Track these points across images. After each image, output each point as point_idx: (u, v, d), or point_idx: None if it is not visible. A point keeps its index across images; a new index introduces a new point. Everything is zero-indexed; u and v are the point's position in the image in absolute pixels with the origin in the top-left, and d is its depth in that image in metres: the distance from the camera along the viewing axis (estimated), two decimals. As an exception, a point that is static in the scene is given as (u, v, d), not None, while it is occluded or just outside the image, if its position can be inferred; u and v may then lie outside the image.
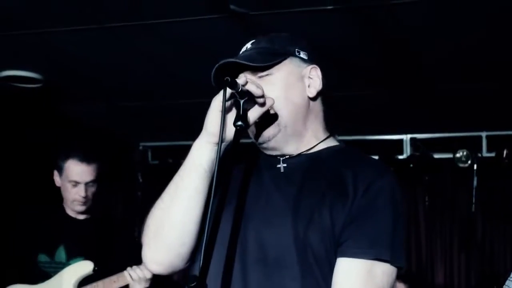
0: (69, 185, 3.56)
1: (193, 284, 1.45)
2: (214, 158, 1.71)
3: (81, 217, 3.67)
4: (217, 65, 1.80)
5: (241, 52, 1.92)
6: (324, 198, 1.74)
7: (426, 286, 6.22)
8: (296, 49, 1.89)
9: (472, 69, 4.43)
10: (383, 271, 1.70)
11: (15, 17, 3.69)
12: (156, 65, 4.49)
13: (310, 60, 1.90)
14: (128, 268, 3.45)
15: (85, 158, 3.56)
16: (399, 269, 1.74)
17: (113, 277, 3.47)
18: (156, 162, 6.59)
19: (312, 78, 1.89)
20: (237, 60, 1.80)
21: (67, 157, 3.57)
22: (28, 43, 4.08)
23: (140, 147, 6.74)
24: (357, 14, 3.58)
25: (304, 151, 1.88)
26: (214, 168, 1.67)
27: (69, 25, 3.78)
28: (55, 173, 3.64)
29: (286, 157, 1.87)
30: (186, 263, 1.85)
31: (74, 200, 3.57)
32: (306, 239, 1.71)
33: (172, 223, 1.78)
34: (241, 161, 1.93)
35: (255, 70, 1.82)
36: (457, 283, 6.25)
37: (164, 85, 4.92)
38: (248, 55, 1.85)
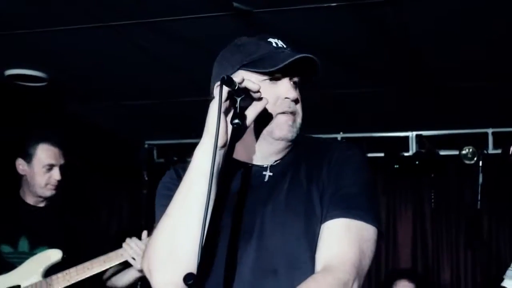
0: (42, 170, 3.55)
1: (190, 282, 1.45)
2: (220, 161, 1.67)
3: (41, 204, 3.64)
4: (292, 58, 1.76)
5: (275, 45, 1.86)
6: (311, 192, 1.80)
7: (432, 284, 6.20)
8: None
9: (478, 66, 4.41)
10: (357, 226, 1.75)
11: (19, 16, 3.70)
12: (160, 63, 4.49)
13: None
14: (127, 241, 3.43)
15: (57, 142, 3.59)
16: (378, 232, 1.79)
17: (86, 264, 3.43)
18: (162, 160, 6.60)
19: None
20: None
21: (37, 142, 3.57)
22: (33, 42, 4.08)
23: (146, 146, 6.74)
24: (362, 11, 3.57)
25: (285, 155, 1.90)
26: (220, 171, 1.67)
27: (73, 23, 3.79)
28: (20, 161, 3.60)
29: (272, 164, 1.88)
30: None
31: (47, 184, 3.56)
32: (311, 236, 1.75)
33: (189, 236, 1.68)
34: (234, 164, 1.91)
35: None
36: (463, 280, 6.23)
37: (169, 83, 4.92)
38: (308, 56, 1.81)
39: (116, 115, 5.89)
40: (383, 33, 3.88)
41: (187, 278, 1.46)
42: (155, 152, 6.78)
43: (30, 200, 3.64)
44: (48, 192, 3.59)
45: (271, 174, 1.86)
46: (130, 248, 3.42)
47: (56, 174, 3.56)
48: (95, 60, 4.46)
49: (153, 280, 1.75)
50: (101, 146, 6.26)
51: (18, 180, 3.67)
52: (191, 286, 1.46)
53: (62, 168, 3.59)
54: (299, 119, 1.85)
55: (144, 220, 6.27)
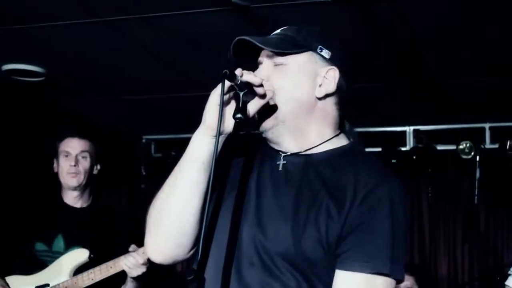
0: (62, 159, 3.65)
1: (191, 277, 1.46)
2: (212, 150, 1.69)
3: (79, 205, 3.70)
4: (234, 40, 1.78)
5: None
6: (321, 204, 1.71)
7: (429, 278, 6.22)
8: (320, 46, 1.83)
9: (476, 61, 4.42)
10: (383, 283, 1.68)
11: (17, 11, 3.69)
12: (158, 58, 4.49)
13: (332, 60, 1.83)
14: (122, 256, 3.47)
15: (77, 133, 3.71)
16: (397, 281, 1.71)
17: (110, 263, 3.47)
18: (160, 155, 6.59)
19: (328, 79, 1.82)
20: (248, 39, 1.76)
21: (61, 139, 3.71)
22: (30, 36, 4.08)
23: (143, 140, 6.74)
24: (360, 5, 3.57)
25: (306, 150, 1.83)
26: (212, 160, 1.67)
27: (71, 18, 3.79)
28: (54, 161, 3.73)
29: (287, 154, 1.84)
30: (187, 253, 1.86)
31: (67, 173, 3.64)
32: (299, 246, 1.68)
33: (171, 214, 1.79)
34: (243, 153, 1.92)
35: (273, 55, 1.81)
36: (460, 274, 6.24)
37: (167, 78, 4.92)
38: (269, 39, 1.83)
39: (114, 110, 5.89)
40: (381, 28, 3.88)
41: (187, 273, 1.47)
42: (152, 146, 6.78)
43: (68, 200, 3.71)
44: (70, 181, 3.65)
45: (284, 162, 1.83)
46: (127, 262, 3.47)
47: (71, 160, 3.63)
48: (93, 55, 4.46)
49: (145, 242, 1.89)
50: (98, 141, 6.25)
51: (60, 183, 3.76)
52: (191, 281, 1.47)
53: (79, 156, 3.66)
54: (278, 103, 1.79)
55: (142, 214, 6.28)
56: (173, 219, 1.79)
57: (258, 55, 1.84)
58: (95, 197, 3.78)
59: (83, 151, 3.67)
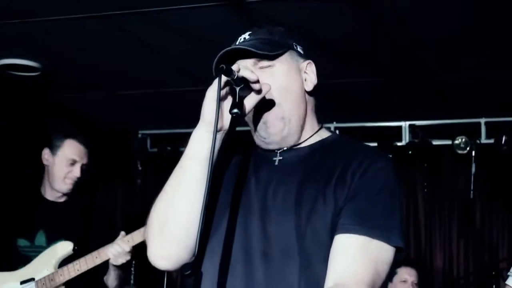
0: (65, 163, 3.60)
1: (187, 272, 1.46)
2: (215, 147, 1.68)
3: (59, 200, 3.69)
4: (221, 53, 1.77)
5: (238, 42, 1.88)
6: (326, 187, 1.75)
7: (425, 273, 6.23)
8: (294, 43, 1.89)
9: (471, 56, 4.42)
10: (377, 246, 1.70)
11: (12, 6, 3.69)
12: (154, 53, 4.49)
13: (305, 55, 1.90)
14: (108, 244, 3.46)
15: (84, 141, 3.66)
16: (398, 249, 1.73)
17: (94, 253, 3.46)
18: (155, 149, 6.59)
19: (308, 73, 1.89)
20: (246, 47, 1.77)
21: (66, 136, 3.63)
22: (26, 31, 4.08)
23: (139, 135, 6.73)
24: (355, 1, 3.57)
25: (300, 143, 1.88)
26: (213, 157, 1.67)
27: (67, 13, 3.79)
28: (46, 151, 3.65)
29: (284, 149, 1.86)
30: (192, 256, 1.82)
31: (66, 178, 3.60)
32: (309, 229, 1.71)
33: (177, 216, 1.76)
34: (239, 150, 1.93)
35: (259, 59, 1.81)
36: (456, 269, 6.26)
37: (163, 73, 4.92)
38: (252, 44, 1.81)
39: (110, 105, 5.88)
40: (377, 23, 3.88)
41: (185, 268, 1.47)
42: (148, 141, 6.78)
43: (49, 196, 3.68)
44: (65, 186, 3.62)
45: (281, 158, 1.86)
46: (113, 250, 3.47)
47: (76, 171, 3.61)
48: (89, 50, 4.46)
49: (148, 250, 1.84)
50: (94, 135, 6.25)
51: (40, 177, 3.72)
52: (189, 276, 1.47)
53: (83, 167, 3.64)
54: (276, 110, 1.80)
55: (138, 209, 6.29)
56: (179, 221, 1.76)
57: (233, 62, 1.81)
58: (74, 191, 3.73)
59: (85, 164, 3.65)
